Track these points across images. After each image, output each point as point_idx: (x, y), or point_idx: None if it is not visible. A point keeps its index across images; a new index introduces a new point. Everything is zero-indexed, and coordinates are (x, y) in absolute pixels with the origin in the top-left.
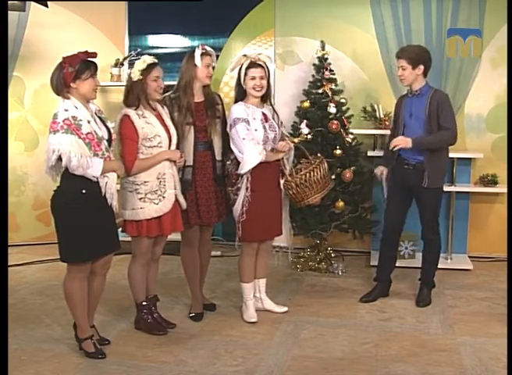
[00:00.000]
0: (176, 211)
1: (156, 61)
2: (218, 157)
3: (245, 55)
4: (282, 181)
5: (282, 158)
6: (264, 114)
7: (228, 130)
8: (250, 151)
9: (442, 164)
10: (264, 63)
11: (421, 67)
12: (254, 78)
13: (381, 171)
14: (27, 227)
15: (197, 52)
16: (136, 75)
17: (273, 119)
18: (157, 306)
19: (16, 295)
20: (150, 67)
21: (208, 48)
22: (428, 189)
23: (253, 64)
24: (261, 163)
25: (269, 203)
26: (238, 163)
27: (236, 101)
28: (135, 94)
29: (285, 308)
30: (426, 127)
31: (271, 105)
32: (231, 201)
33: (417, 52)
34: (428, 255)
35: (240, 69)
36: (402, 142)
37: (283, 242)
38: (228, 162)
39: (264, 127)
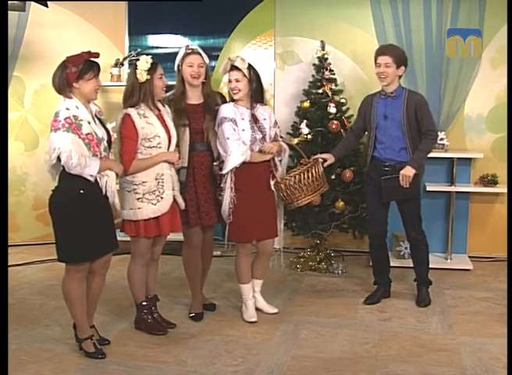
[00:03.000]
0: (175, 211)
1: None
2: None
3: (229, 58)
4: (272, 183)
5: (273, 160)
6: (253, 115)
7: (215, 128)
8: (233, 151)
9: (423, 163)
10: (249, 66)
11: (403, 68)
12: (230, 81)
13: (327, 157)
14: (27, 227)
15: (180, 53)
16: (143, 76)
17: (264, 119)
18: (157, 306)
19: (15, 295)
20: (154, 66)
21: (194, 47)
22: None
23: (232, 67)
24: (247, 163)
25: (258, 204)
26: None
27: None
28: (140, 95)
29: (275, 310)
30: (403, 129)
31: (261, 105)
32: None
33: (401, 52)
34: (418, 256)
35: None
36: (409, 175)
37: (276, 244)
38: (215, 163)
39: (253, 128)
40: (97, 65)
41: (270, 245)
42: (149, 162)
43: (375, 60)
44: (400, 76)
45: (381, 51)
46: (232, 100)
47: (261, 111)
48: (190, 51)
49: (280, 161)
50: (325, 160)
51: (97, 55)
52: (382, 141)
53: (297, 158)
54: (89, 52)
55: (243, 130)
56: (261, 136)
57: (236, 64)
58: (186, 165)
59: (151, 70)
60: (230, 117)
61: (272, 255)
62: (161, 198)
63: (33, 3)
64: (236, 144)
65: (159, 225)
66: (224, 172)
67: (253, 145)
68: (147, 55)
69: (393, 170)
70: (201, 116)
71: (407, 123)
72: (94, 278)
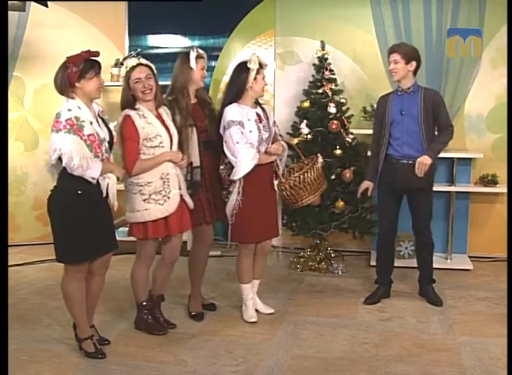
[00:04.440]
0: (183, 211)
1: (141, 62)
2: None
3: (256, 54)
4: (275, 183)
5: (276, 160)
6: (258, 114)
7: (221, 131)
8: (243, 156)
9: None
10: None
11: (414, 63)
12: (264, 77)
13: (367, 186)
14: (27, 227)
15: (193, 55)
16: (122, 80)
17: (267, 119)
18: (161, 306)
19: (15, 295)
20: (130, 71)
21: (201, 51)
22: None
23: (262, 64)
24: (254, 166)
25: (263, 205)
26: (231, 167)
27: (224, 103)
28: (125, 99)
29: (271, 310)
30: (421, 124)
31: (260, 105)
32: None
33: (410, 49)
34: (425, 255)
35: (248, 68)
36: (425, 163)
37: (277, 241)
38: (221, 167)
39: (259, 128)
40: (98, 63)
41: (268, 245)
42: (153, 162)
43: (388, 59)
44: (414, 72)
45: (391, 50)
46: (228, 102)
47: (260, 110)
48: (198, 53)
49: (280, 159)
50: (367, 189)
51: (97, 53)
52: (397, 137)
53: (296, 158)
54: (89, 51)
55: (251, 131)
56: (267, 135)
57: (264, 63)
58: (199, 164)
59: (126, 75)
60: (238, 120)
61: (269, 253)
62: (168, 197)
63: (33, 3)
64: (245, 148)
65: (168, 225)
66: (235, 178)
67: (260, 145)
68: (149, 55)
69: (412, 166)
70: (202, 114)
71: (425, 118)
72: (94, 278)
